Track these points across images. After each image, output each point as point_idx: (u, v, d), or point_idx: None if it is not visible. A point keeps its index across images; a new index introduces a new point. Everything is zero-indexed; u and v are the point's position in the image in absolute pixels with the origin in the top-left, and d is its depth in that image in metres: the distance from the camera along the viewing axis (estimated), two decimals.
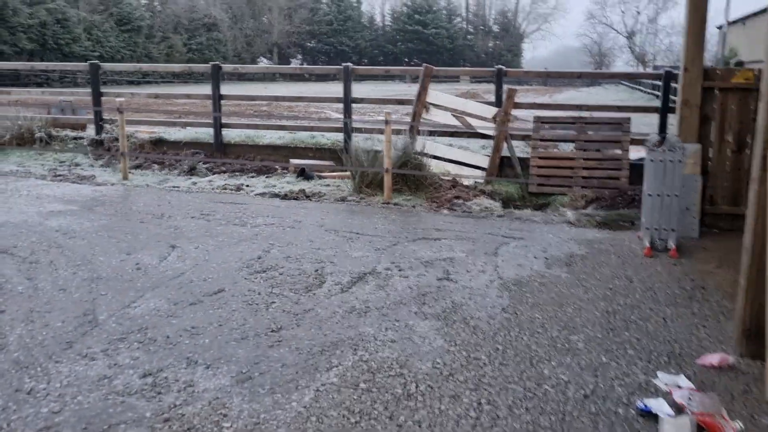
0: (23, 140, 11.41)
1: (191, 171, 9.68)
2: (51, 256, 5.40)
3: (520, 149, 9.57)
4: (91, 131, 11.82)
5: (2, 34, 37.49)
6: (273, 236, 6.14)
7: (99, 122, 11.32)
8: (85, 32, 44.23)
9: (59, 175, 9.19)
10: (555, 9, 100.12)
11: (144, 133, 11.50)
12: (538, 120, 9.18)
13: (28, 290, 4.63)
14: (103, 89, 11.59)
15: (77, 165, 10.20)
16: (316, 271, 5.15)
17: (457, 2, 77.77)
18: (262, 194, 8.15)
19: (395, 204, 7.71)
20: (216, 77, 10.71)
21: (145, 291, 4.64)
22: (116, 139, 10.97)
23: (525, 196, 8.90)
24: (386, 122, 7.82)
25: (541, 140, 9.03)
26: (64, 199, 7.53)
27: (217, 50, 58.27)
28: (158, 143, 11.09)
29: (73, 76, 36.30)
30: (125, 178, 8.90)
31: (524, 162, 9.24)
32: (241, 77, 49.42)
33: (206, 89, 11.12)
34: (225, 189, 8.44)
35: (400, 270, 5.20)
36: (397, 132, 9.16)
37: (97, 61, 11.29)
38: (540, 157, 8.96)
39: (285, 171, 9.77)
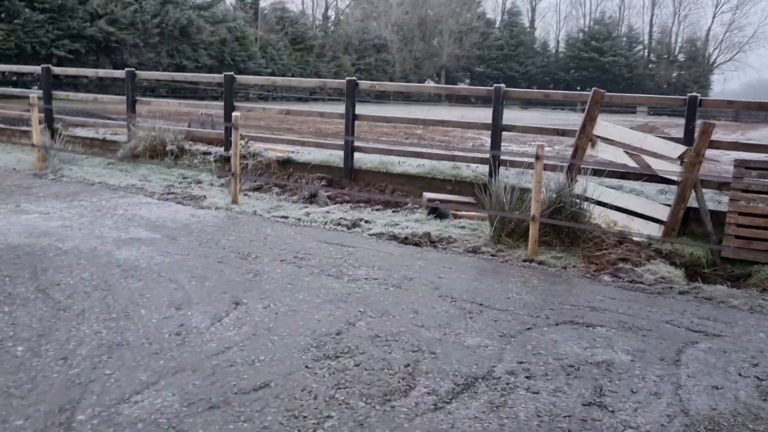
0: (155, 152, 10.96)
1: (311, 198, 8.54)
2: (88, 303, 4.32)
3: (712, 200, 7.45)
4: (220, 147, 11.17)
5: (186, 50, 39.86)
6: (368, 299, 4.69)
7: (229, 137, 10.60)
8: (261, 50, 46.10)
9: (171, 194, 8.42)
10: (753, 38, 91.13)
11: (275, 151, 10.63)
12: (742, 164, 7.05)
13: (25, 355, 3.52)
14: (237, 103, 10.89)
15: (199, 183, 9.45)
16: (408, 366, 3.62)
17: (639, 28, 73.11)
18: (379, 235, 6.76)
19: (540, 262, 5.99)
20: (351, 94, 9.56)
21: (164, 375, 3.36)
22: (244, 157, 10.17)
23: (716, 262, 6.80)
24: (537, 157, 6.14)
25: (745, 191, 6.90)
26: (153, 224, 6.61)
27: (385, 71, 58.76)
28: (286, 164, 10.12)
29: (208, 88, 37.47)
30: (234, 201, 7.91)
31: (717, 217, 7.14)
32: (407, 98, 49.11)
33: (342, 108, 10.02)
34: (339, 224, 7.15)
35: (528, 377, 3.54)
36: (554, 168, 7.44)
37: (232, 73, 10.61)
38: (741, 213, 6.84)
39: (416, 206, 8.35)
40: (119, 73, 11.83)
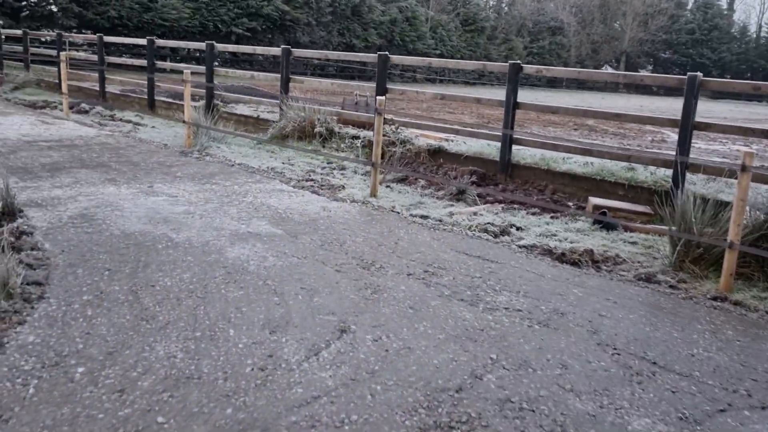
0: (304, 134, 10.56)
1: (459, 195, 7.61)
2: (176, 314, 3.74)
3: None
4: (371, 131, 10.52)
5: (356, 29, 40.13)
6: (505, 340, 3.72)
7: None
8: (431, 31, 45.45)
9: (309, 180, 7.87)
10: None
11: (428, 138, 9.80)
12: None
13: (82, 381, 2.97)
14: (390, 85, 10.17)
15: (342, 170, 8.85)
16: None
17: None
18: (530, 248, 5.71)
19: (736, 303, 4.66)
20: (514, 80, 8.47)
21: None
22: (393, 143, 9.45)
23: None
24: (743, 167, 4.78)
25: None
26: (279, 217, 6.02)
27: (559, 55, 55.93)
28: (436, 154, 9.26)
29: (352, 68, 36.99)
30: (373, 194, 7.18)
31: None
32: (581, 85, 46.34)
33: (502, 93, 8.94)
34: (485, 230, 6.17)
35: None
36: (761, 179, 5.99)
37: (386, 53, 9.88)
38: None
39: (579, 212, 7.15)
40: (276, 51, 11.56)
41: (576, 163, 8.33)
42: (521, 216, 6.93)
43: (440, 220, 6.42)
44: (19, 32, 19.73)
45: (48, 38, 22.13)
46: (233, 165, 8.39)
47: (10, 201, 5.21)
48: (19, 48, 19.88)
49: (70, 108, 13.32)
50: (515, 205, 7.36)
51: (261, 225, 5.68)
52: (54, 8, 27.45)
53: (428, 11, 45.97)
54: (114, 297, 3.93)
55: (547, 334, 3.85)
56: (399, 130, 9.64)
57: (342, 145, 10.12)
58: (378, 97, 7.16)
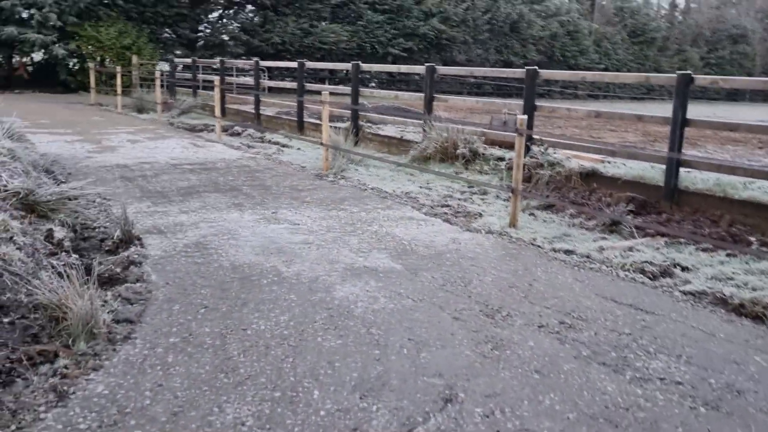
0: (446, 155, 9.99)
1: (612, 226, 6.65)
2: (259, 366, 3.28)
3: None
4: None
5: (514, 46, 39.11)
6: (657, 428, 2.88)
7: (527, 139, 9.11)
8: (594, 44, 43.30)
9: (444, 206, 7.27)
10: None
11: (581, 160, 8.85)
12: None
13: None
14: (539, 102, 9.33)
15: (483, 194, 8.17)
16: None
17: None
18: (699, 295, 4.70)
19: None
20: (683, 93, 7.35)
21: None
22: (540, 166, 8.62)
23: None
24: None
25: None
26: (402, 249, 5.47)
27: (742, 65, 51.16)
28: (589, 177, 8.29)
29: (510, 86, 35.34)
30: (512, 224, 6.43)
31: None
32: None
33: (669, 109, 7.80)
34: (642, 270, 5.21)
35: None
36: None
37: (535, 68, 9.08)
38: None
39: (765, 250, 5.95)
40: (419, 69, 11.14)
41: (760, 189, 7.04)
42: (688, 253, 5.86)
43: (587, 256, 5.54)
44: (189, 60, 21.06)
45: (215, 66, 23.49)
46: (366, 189, 8.00)
47: (128, 229, 5.10)
48: (207, 77, 21.20)
49: (224, 131, 13.77)
50: (681, 240, 6.27)
51: (380, 258, 5.15)
52: (225, 37, 29.27)
53: (592, 24, 43.85)
54: (200, 341, 3.56)
55: (717, 421, 2.95)
56: (547, 151, 8.78)
57: (486, 168, 9.42)
58: (518, 116, 6.43)
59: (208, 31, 30.43)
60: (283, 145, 12.29)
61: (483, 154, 9.86)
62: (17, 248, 4.06)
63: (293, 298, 4.22)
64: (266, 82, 21.09)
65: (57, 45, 23.20)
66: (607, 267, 5.25)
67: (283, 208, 6.71)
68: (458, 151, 9.81)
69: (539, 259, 5.37)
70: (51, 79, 24.97)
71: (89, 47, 24.25)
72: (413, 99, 12.49)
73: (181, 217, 6.17)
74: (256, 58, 16.81)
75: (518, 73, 9.46)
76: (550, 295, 4.51)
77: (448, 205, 7.38)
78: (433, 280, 4.69)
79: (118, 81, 18.35)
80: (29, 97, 22.16)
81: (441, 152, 10.03)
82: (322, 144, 9.31)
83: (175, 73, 21.55)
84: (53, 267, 4.07)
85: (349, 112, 12.46)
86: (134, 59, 23.55)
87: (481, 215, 6.93)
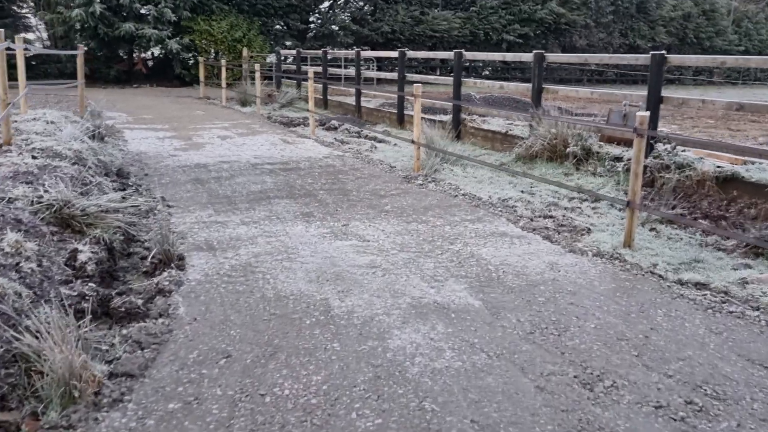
0: (554, 153, 8.83)
1: (756, 249, 5.34)
2: None
3: None
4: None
5: (641, 29, 36.31)
6: None
7: (650, 138, 7.79)
8: (733, 24, 39.50)
9: (547, 218, 6.19)
10: None
11: (718, 160, 7.45)
12: None
13: None
14: (668, 93, 7.96)
15: (595, 203, 7.00)
16: None
17: None
18: None
19: None
20: None
21: None
22: (667, 167, 7.32)
23: None
24: None
25: None
26: (485, 277, 4.50)
27: None
28: (728, 183, 6.89)
29: (635, 74, 32.35)
30: (627, 244, 5.28)
31: None
32: None
33: None
34: None
35: None
36: None
37: (663, 52, 7.71)
38: None
39: None
40: (527, 57, 9.97)
41: None
42: None
43: (725, 293, 4.34)
44: (293, 51, 20.77)
45: (311, 56, 23.10)
46: (457, 195, 7.03)
47: (167, 248, 4.46)
48: (315, 68, 20.91)
49: (321, 125, 13.20)
50: None
51: (456, 291, 4.22)
52: (335, 27, 28.93)
53: (731, 2, 40.01)
54: (205, 409, 2.80)
55: None
56: (674, 150, 7.44)
57: (599, 169, 8.18)
58: (638, 113, 5.23)
59: (318, 21, 30.22)
60: (380, 141, 11.52)
61: (597, 152, 8.61)
62: (20, 277, 3.48)
63: (336, 348, 3.38)
64: (371, 73, 20.45)
65: (172, 40, 23.67)
66: (753, 310, 4.04)
67: (356, 219, 5.90)
68: (568, 149, 8.62)
69: (660, 296, 4.23)
70: (167, 73, 25.61)
71: (202, 41, 24.61)
72: (520, 89, 11.33)
73: (240, 230, 5.49)
74: (357, 48, 16.14)
75: (642, 59, 8.11)
76: (672, 354, 3.41)
77: (551, 216, 6.29)
78: (517, 325, 3.71)
79: (223, 74, 18.28)
80: (144, 91, 22.76)
81: (549, 150, 8.87)
82: (412, 142, 8.42)
83: (282, 65, 21.35)
84: (61, 300, 3.47)
85: (450, 104, 11.48)
86: (244, 52, 23.63)
87: (589, 230, 5.81)
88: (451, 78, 11.73)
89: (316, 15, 30.76)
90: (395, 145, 11.18)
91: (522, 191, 7.41)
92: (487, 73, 33.48)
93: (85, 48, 24.40)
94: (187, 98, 19.94)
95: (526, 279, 4.47)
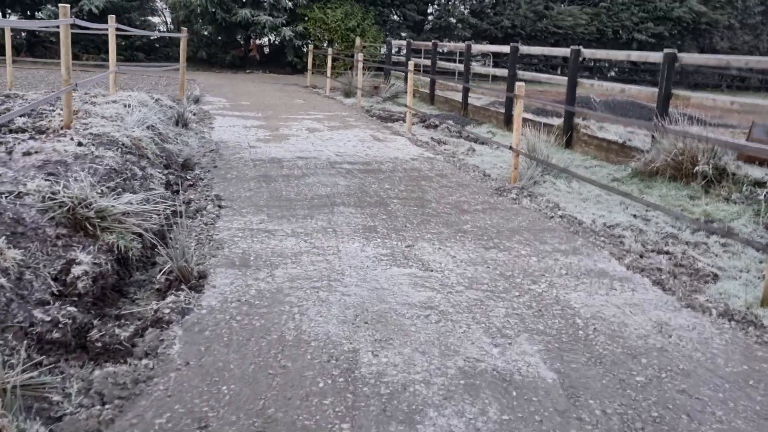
0: (679, 172, 7.52)
1: None
2: None
3: None
4: None
5: None
6: None
7: None
8: None
9: (659, 254, 5.02)
10: None
11: None
12: None
13: None
14: None
15: (726, 237, 5.70)
16: None
17: None
18: None
19: None
20: None
21: None
22: None
23: None
24: None
25: None
26: (570, 337, 3.47)
27: None
28: None
29: None
30: (765, 303, 4.06)
31: None
32: None
33: None
34: None
35: None
36: None
37: None
38: None
39: None
40: (655, 57, 8.63)
41: None
42: None
43: None
44: (403, 42, 19.98)
45: (443, 49, 22.15)
46: (554, 216, 5.95)
47: (184, 265, 3.77)
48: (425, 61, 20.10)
49: (423, 121, 12.33)
50: None
51: (526, 354, 3.24)
52: (453, 20, 27.88)
53: None
54: None
55: None
56: None
57: (735, 195, 6.82)
58: None
59: (436, 13, 29.27)
60: (481, 143, 10.52)
61: (733, 173, 7.22)
62: None
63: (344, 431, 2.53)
64: (483, 69, 19.43)
65: (286, 27, 23.54)
66: None
67: (425, 240, 5.00)
68: (697, 168, 7.29)
69: None
70: (280, 60, 25.59)
71: (316, 29, 24.35)
72: (644, 94, 9.96)
73: (286, 243, 4.74)
74: (468, 42, 15.13)
75: None
76: None
77: (666, 252, 5.11)
78: (601, 421, 2.70)
79: (328, 63, 17.78)
80: (254, 78, 22.75)
81: (673, 167, 7.57)
82: (510, 148, 7.39)
83: (392, 56, 20.65)
84: (22, 328, 2.83)
85: (563, 106, 10.29)
86: (357, 41, 23.14)
87: (715, 277, 4.61)
88: (563, 77, 10.52)
89: (435, 6, 29.81)
90: (497, 148, 10.14)
91: (634, 215, 6.22)
92: (613, 74, 31.29)
93: (202, 32, 24.82)
94: (294, 86, 19.64)
95: (624, 344, 3.42)
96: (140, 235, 4.15)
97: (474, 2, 30.31)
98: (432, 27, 28.84)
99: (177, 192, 5.62)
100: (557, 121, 10.97)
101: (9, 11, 24.96)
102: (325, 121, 11.63)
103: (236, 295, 3.76)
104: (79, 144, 5.33)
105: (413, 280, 4.15)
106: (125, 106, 7.87)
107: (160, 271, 3.95)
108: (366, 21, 25.11)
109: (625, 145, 9.16)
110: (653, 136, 8.27)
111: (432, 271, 4.34)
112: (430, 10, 29.58)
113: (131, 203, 4.17)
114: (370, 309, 3.67)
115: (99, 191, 4.27)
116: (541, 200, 6.49)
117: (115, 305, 3.54)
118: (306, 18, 24.38)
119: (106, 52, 25.12)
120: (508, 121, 12.35)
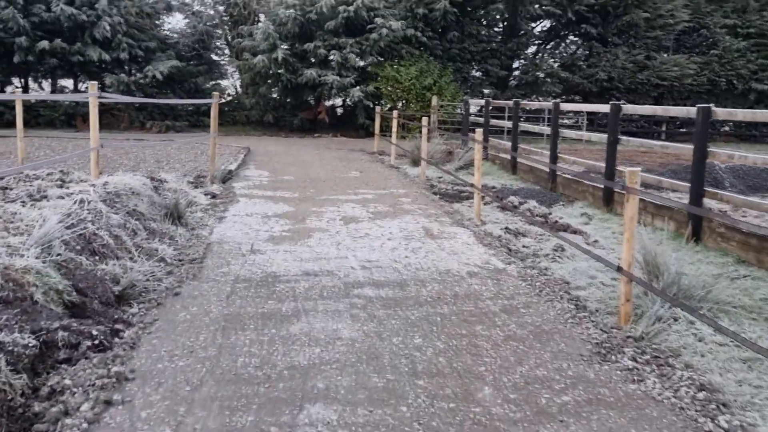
0: None
1: None
2: None
3: None
4: None
5: None
6: None
7: None
8: None
9: None
10: None
11: None
12: None
13: None
14: None
15: None
16: None
17: None
18: None
19: None
20: None
21: None
22: None
23: None
24: None
25: None
26: None
27: None
28: None
29: None
30: None
31: None
32: None
33: None
34: None
35: None
36: None
37: None
38: None
39: None
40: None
41: None
42: None
43: None
44: (482, 102, 17.60)
45: (530, 107, 19.67)
46: (707, 414, 3.24)
47: None
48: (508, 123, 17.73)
49: (499, 200, 9.77)
50: None
51: None
52: (540, 75, 25.32)
53: None
54: None
55: None
56: None
57: None
58: None
59: (522, 67, 26.81)
60: (572, 231, 7.89)
61: None
62: None
63: None
64: (573, 133, 16.77)
65: (355, 88, 21.73)
66: None
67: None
68: None
69: None
70: (352, 122, 23.76)
71: (388, 88, 22.39)
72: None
73: None
74: (556, 101, 12.56)
75: None
76: None
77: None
78: None
79: (394, 127, 15.62)
80: (320, 143, 20.88)
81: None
82: (619, 270, 4.74)
83: (469, 117, 18.30)
84: None
85: (686, 185, 7.52)
86: (433, 100, 20.98)
87: None
88: (684, 145, 7.78)
89: (521, 60, 27.36)
90: (596, 241, 7.48)
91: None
92: (727, 129, 27.66)
93: (268, 94, 23.43)
94: (359, 152, 17.55)
95: None
96: None
97: (565, 54, 27.68)
98: (518, 83, 26.37)
99: (39, 375, 3.35)
100: (673, 197, 8.19)
101: (79, 75, 24.43)
102: (372, 204, 9.27)
103: None
104: None
105: None
106: (81, 202, 5.81)
107: None
108: (443, 78, 22.95)
109: None
110: None
111: None
112: (515, 65, 27.15)
113: None
114: None
115: None
116: (679, 376, 3.78)
117: None
118: (378, 77, 22.50)
119: (174, 118, 24.35)
120: (608, 200, 9.62)
